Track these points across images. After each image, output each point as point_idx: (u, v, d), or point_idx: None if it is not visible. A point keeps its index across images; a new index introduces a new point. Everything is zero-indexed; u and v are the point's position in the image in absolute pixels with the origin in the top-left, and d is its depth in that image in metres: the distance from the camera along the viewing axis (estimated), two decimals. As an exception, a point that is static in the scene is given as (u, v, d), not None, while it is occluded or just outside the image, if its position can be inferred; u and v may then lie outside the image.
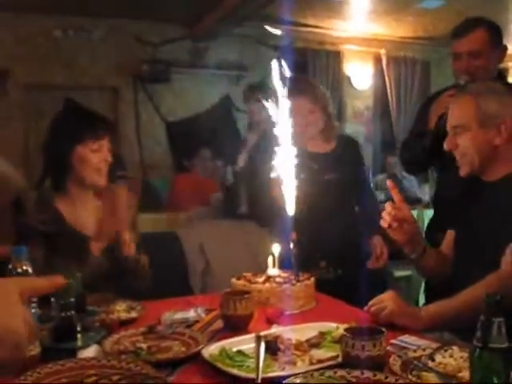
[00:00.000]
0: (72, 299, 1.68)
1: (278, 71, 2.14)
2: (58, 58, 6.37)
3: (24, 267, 1.65)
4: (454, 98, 2.08)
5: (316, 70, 7.49)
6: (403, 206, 1.99)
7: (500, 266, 1.79)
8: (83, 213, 2.37)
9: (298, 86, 2.77)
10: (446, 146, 2.02)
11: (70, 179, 2.35)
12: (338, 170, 2.92)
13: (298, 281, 2.11)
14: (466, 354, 1.41)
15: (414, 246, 2.03)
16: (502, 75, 2.66)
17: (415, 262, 2.09)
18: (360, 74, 7.84)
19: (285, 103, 2.16)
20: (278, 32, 6.73)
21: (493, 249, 1.84)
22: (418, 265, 2.13)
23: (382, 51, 7.88)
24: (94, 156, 2.31)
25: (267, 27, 6.77)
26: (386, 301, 1.84)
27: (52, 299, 1.68)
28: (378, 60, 7.93)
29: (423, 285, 2.88)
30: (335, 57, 7.63)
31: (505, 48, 2.63)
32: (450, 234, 2.18)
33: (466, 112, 1.92)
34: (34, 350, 1.48)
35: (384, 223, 1.98)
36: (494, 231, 1.92)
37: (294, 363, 1.48)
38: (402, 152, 2.98)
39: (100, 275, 2.26)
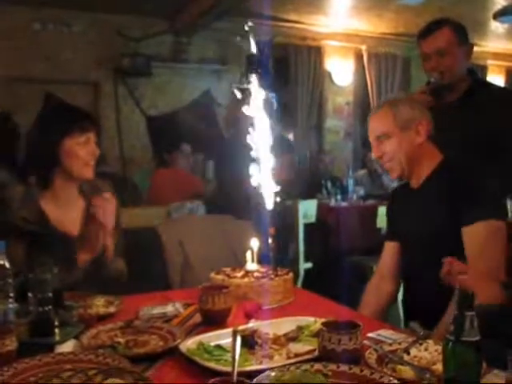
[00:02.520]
0: (49, 294, 1.68)
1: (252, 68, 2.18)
2: (37, 51, 6.31)
3: (1, 261, 1.65)
4: (372, 113, 2.22)
5: (297, 65, 7.50)
6: None
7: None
8: (68, 212, 2.35)
9: None
10: (373, 154, 2.20)
11: (57, 174, 2.31)
12: None
13: (277, 275, 2.12)
14: (440, 348, 1.43)
15: None
16: (472, 72, 2.69)
17: None
18: (341, 70, 7.87)
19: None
20: (259, 27, 6.72)
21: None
22: None
23: (363, 47, 7.91)
24: (82, 149, 2.30)
25: (248, 22, 6.76)
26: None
27: (29, 294, 1.68)
28: (359, 56, 7.96)
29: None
30: (316, 52, 7.64)
31: (471, 45, 2.67)
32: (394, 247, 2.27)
33: (385, 121, 2.12)
34: (11, 345, 1.47)
35: None
36: (425, 243, 2.06)
37: (271, 357, 1.48)
38: None
39: (83, 281, 2.24)
